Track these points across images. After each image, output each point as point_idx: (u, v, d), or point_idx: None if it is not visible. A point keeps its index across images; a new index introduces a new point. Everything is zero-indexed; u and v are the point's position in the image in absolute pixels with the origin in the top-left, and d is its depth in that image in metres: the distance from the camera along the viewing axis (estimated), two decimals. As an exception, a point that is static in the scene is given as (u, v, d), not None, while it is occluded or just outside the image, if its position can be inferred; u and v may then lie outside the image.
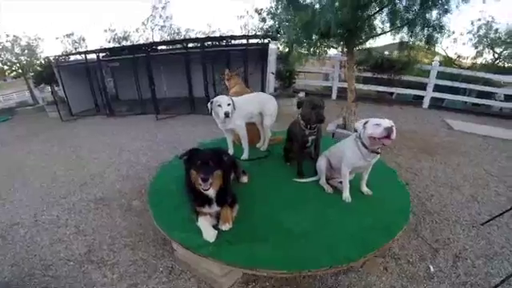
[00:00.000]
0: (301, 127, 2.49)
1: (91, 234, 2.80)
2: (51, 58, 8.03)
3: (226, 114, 2.59)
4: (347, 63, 4.76)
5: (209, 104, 2.70)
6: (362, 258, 1.82)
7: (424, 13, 3.99)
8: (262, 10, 8.00)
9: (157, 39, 11.67)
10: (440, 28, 4.12)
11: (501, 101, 8.37)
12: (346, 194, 2.31)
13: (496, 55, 10.04)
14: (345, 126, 5.02)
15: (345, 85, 8.45)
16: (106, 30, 11.97)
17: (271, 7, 7.63)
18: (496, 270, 2.26)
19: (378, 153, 2.08)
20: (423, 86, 8.03)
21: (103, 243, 2.65)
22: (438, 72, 7.66)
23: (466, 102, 8.27)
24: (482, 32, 9.37)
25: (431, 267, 2.27)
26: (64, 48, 12.07)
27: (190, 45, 7.76)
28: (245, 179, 2.58)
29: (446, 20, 4.10)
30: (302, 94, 7.68)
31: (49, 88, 8.45)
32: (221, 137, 4.87)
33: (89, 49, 9.32)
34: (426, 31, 4.17)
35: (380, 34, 4.45)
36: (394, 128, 1.88)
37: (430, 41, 4.29)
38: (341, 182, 2.47)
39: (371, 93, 8.81)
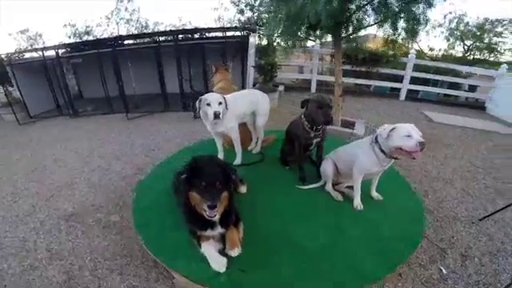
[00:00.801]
0: (305, 128, 2.24)
1: (67, 257, 2.38)
2: (3, 56, 7.15)
3: (216, 115, 2.24)
4: (334, 56, 4.59)
5: (197, 102, 2.34)
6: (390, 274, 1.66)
7: (410, 6, 3.92)
8: (239, 1, 7.61)
9: (123, 33, 10.86)
10: (425, 22, 4.09)
11: (465, 91, 8.87)
12: (358, 201, 2.14)
13: (466, 47, 10.42)
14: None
15: (323, 78, 8.59)
16: (65, 25, 10.99)
17: None
18: (502, 267, 2.27)
19: (396, 158, 1.89)
20: (399, 79, 8.18)
21: (84, 268, 2.26)
22: (414, 64, 7.78)
23: (438, 94, 8.57)
24: (453, 25, 9.66)
25: (443, 269, 2.23)
26: (18, 45, 10.95)
27: (162, 38, 7.23)
28: (243, 189, 2.28)
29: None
30: (281, 88, 7.47)
31: (1, 88, 7.52)
32: (206, 138, 4.54)
33: (47, 45, 8.44)
34: (410, 24, 4.11)
35: (366, 27, 4.36)
36: (424, 141, 1.72)
37: (414, 34, 4.25)
38: (348, 187, 2.31)
39: (349, 85, 8.80)
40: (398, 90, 8.29)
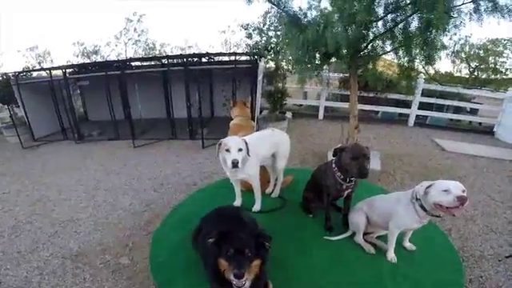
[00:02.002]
0: (336, 179, 2.08)
1: None
2: (10, 75, 7.08)
3: (234, 164, 2.07)
4: (350, 86, 4.51)
5: (216, 145, 2.20)
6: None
7: (426, 33, 3.89)
8: (248, 25, 7.63)
9: (130, 54, 10.91)
10: (443, 47, 4.07)
11: (466, 113, 8.85)
12: (392, 254, 1.99)
13: (472, 69, 10.45)
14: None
15: (331, 104, 8.55)
16: (74, 44, 11.01)
17: (259, 23, 7.37)
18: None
19: (438, 216, 1.76)
20: (407, 104, 8.13)
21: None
22: (423, 89, 7.74)
23: (449, 119, 8.52)
24: (458, 47, 9.69)
25: None
26: (26, 63, 10.87)
27: (171, 61, 7.20)
28: None
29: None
30: (289, 115, 7.39)
31: (6, 109, 7.40)
32: (216, 175, 4.41)
33: (54, 64, 8.42)
34: (426, 51, 4.07)
35: (382, 54, 4.30)
36: (465, 195, 1.56)
37: (431, 60, 4.18)
38: (378, 237, 2.15)
39: (360, 112, 8.76)
40: (406, 115, 8.21)
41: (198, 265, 1.71)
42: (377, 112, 8.78)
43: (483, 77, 10.49)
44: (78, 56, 11.00)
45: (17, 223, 3.44)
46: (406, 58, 4.23)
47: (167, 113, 9.04)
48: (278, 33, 6.79)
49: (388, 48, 4.22)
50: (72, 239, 3.07)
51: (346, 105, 8.20)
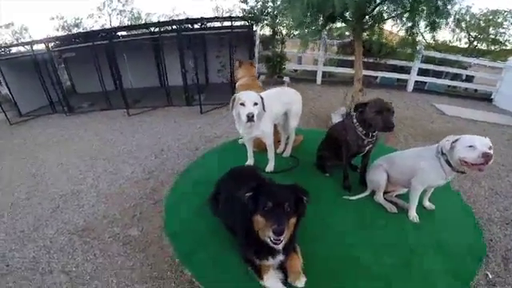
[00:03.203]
0: (358, 134, 1.98)
1: (89, 282, 2.08)
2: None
3: (249, 117, 1.97)
4: (355, 49, 4.33)
5: (230, 100, 2.06)
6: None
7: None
8: None
9: (115, 25, 10.28)
10: (448, 15, 3.95)
11: (462, 81, 8.91)
12: (414, 213, 1.96)
13: (471, 39, 10.30)
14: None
15: (330, 69, 8.37)
16: (52, 18, 10.38)
17: None
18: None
19: (463, 172, 1.70)
20: (405, 70, 8.04)
21: (114, 295, 1.97)
22: (422, 56, 7.61)
23: (447, 86, 8.52)
24: (459, 15, 9.46)
25: (489, 274, 2.05)
26: (2, 40, 10.29)
27: (162, 29, 6.80)
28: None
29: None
30: (287, 79, 7.18)
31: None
32: (221, 141, 4.26)
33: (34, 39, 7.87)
34: (432, 17, 3.92)
35: (387, 19, 4.11)
36: (491, 152, 1.54)
37: (435, 27, 4.08)
38: (397, 196, 2.12)
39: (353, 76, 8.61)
40: (405, 81, 8.14)
41: (219, 231, 1.61)
42: (376, 77, 8.65)
43: (482, 47, 10.39)
44: (58, 30, 10.49)
45: (15, 200, 3.26)
46: (410, 24, 4.09)
47: (160, 81, 8.78)
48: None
49: (393, 13, 4.04)
50: (76, 213, 2.93)
51: (344, 70, 8.07)
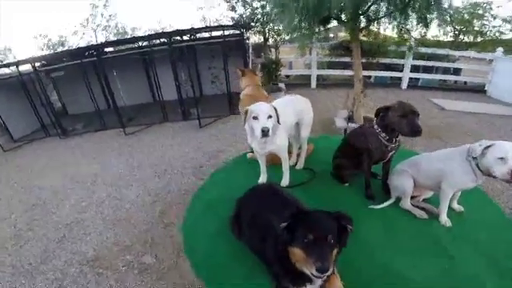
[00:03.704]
0: (381, 141, 1.88)
1: None
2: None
3: (265, 132, 1.81)
4: (353, 50, 4.29)
5: (243, 113, 1.94)
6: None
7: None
8: None
9: (101, 41, 10.14)
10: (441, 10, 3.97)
11: (450, 74, 8.87)
12: (445, 218, 1.85)
13: (456, 32, 10.46)
14: (349, 119, 4.60)
15: (324, 72, 8.35)
16: (36, 37, 10.17)
17: None
18: None
19: (494, 177, 1.59)
20: (396, 68, 8.08)
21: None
22: (414, 52, 7.64)
23: (439, 80, 8.58)
24: (451, 10, 9.62)
25: None
26: None
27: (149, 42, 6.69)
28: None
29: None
30: (282, 85, 7.11)
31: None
32: (225, 156, 4.14)
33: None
34: (423, 13, 3.95)
35: (381, 17, 4.08)
36: None
37: (427, 23, 4.15)
38: (424, 201, 2.01)
39: (348, 78, 8.63)
40: (399, 79, 8.17)
41: (244, 255, 1.48)
42: (369, 77, 8.67)
43: (467, 40, 10.58)
44: (42, 49, 10.25)
45: (17, 232, 3.10)
46: (403, 21, 4.07)
47: (152, 96, 8.63)
48: (263, 3, 6.41)
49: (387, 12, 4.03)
50: (83, 242, 2.79)
51: (339, 72, 8.06)
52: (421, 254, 1.61)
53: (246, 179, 2.27)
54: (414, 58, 7.89)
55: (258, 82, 2.92)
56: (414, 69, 8.22)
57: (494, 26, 10.32)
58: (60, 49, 9.98)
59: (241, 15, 6.86)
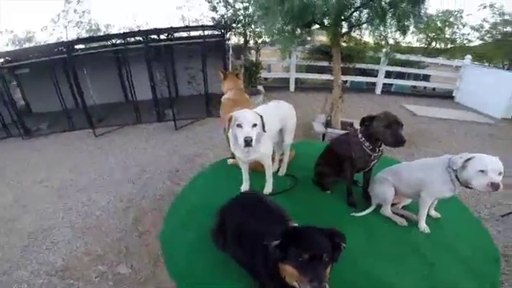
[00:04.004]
0: (365, 150, 1.88)
1: None
2: None
3: (247, 142, 1.73)
4: (333, 55, 4.33)
5: (226, 120, 1.85)
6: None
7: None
8: None
9: (72, 37, 9.62)
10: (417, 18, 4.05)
11: (420, 80, 9.27)
12: (424, 225, 1.90)
13: (429, 39, 10.95)
14: (327, 124, 4.65)
15: (302, 75, 8.43)
16: (0, 32, 9.52)
17: None
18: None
19: (470, 188, 1.66)
20: (370, 74, 8.33)
21: None
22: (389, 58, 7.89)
23: (411, 86, 8.94)
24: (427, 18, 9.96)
25: None
26: None
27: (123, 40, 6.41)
28: None
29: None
30: (260, 88, 7.08)
31: None
32: (201, 160, 4.02)
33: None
34: (401, 21, 4.03)
35: (363, 23, 4.15)
36: (500, 179, 1.47)
37: (406, 30, 4.19)
38: (403, 208, 2.04)
39: (326, 82, 8.77)
40: (373, 84, 8.42)
41: (227, 265, 1.42)
42: (345, 81, 8.86)
43: (438, 46, 11.09)
44: (7, 45, 9.58)
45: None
46: (382, 28, 4.16)
47: (125, 96, 8.29)
48: (246, 4, 6.35)
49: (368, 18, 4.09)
50: (50, 252, 2.58)
51: (318, 76, 8.17)
52: (401, 260, 1.63)
53: (227, 186, 2.20)
54: (388, 64, 8.16)
55: (240, 85, 2.84)
56: (388, 75, 8.49)
57: (463, 34, 10.89)
58: (27, 45, 9.35)
59: (222, 16, 6.75)
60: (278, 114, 2.22)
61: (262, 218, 1.44)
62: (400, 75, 8.83)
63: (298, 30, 3.84)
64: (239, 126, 1.76)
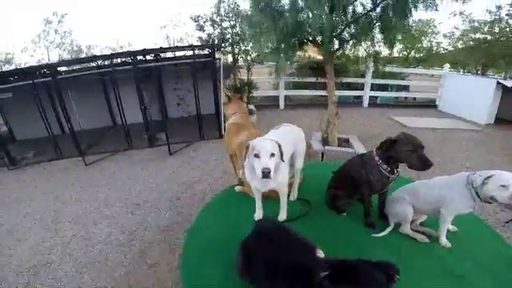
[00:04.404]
0: (383, 173, 1.88)
1: None
2: None
3: (265, 174, 1.63)
4: (327, 72, 4.40)
5: (244, 148, 1.79)
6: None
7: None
8: (199, 17, 7.00)
9: (54, 59, 9.40)
10: (408, 32, 4.20)
11: (399, 91, 9.63)
12: (445, 240, 1.93)
13: (408, 50, 11.39)
14: (324, 141, 4.67)
15: (291, 93, 8.53)
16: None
17: (212, 13, 6.80)
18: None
19: (490, 203, 1.71)
20: (359, 87, 8.54)
21: None
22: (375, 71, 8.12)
23: (394, 97, 9.19)
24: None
25: None
26: None
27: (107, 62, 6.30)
28: None
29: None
30: (252, 107, 7.09)
31: None
32: (202, 186, 3.93)
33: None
34: (389, 35, 4.16)
35: (350, 40, 4.25)
36: None
37: (393, 44, 4.32)
38: (421, 224, 2.06)
39: (312, 98, 8.89)
40: (359, 97, 8.60)
41: None
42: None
43: (417, 56, 11.54)
44: (-16, 67, 9.18)
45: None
46: (369, 42, 4.31)
47: (112, 120, 8.10)
48: (233, 23, 6.43)
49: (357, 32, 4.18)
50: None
51: (304, 92, 8.27)
52: (433, 276, 1.62)
53: (238, 216, 2.12)
54: (372, 77, 8.38)
55: (245, 109, 2.80)
56: (371, 87, 8.69)
57: (437, 42, 11.39)
58: (6, 67, 9.01)
59: (209, 35, 6.78)
60: (291, 138, 2.17)
61: (290, 248, 1.41)
62: (383, 87, 9.07)
63: (293, 49, 3.87)
64: (256, 155, 1.69)
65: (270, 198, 2.16)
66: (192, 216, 3.25)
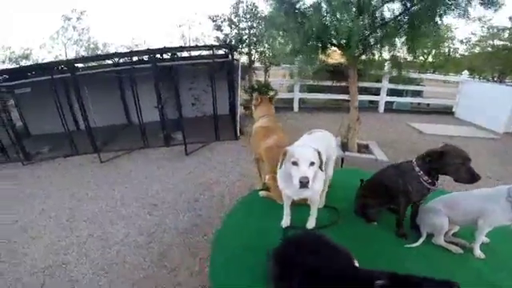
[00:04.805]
0: (422, 184, 1.81)
1: None
2: None
3: (303, 184, 1.53)
4: (349, 76, 4.31)
5: (281, 154, 1.70)
6: None
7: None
8: (217, 16, 7.00)
9: (71, 56, 9.48)
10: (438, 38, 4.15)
11: (412, 96, 9.41)
12: (479, 251, 1.92)
13: (425, 55, 11.20)
14: (343, 146, 4.57)
15: (306, 96, 8.42)
16: (-3, 49, 9.28)
17: (230, 14, 6.77)
18: None
19: None
20: (376, 91, 8.40)
21: None
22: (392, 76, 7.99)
23: (410, 103, 9.02)
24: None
25: None
26: None
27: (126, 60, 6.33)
28: None
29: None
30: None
31: None
32: (219, 188, 3.89)
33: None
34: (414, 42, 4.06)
35: (375, 44, 4.16)
36: None
37: (416, 50, 4.20)
38: (453, 235, 2.02)
39: (326, 101, 8.80)
40: (375, 102, 8.46)
41: None
42: (348, 101, 8.91)
43: (434, 61, 11.33)
44: (3, 62, 9.31)
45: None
46: (393, 48, 4.19)
47: (127, 118, 8.11)
48: (250, 23, 6.39)
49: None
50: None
51: (319, 96, 8.17)
52: (467, 285, 1.57)
53: (266, 223, 2.07)
54: (389, 82, 8.23)
55: (273, 111, 2.71)
56: (394, 92, 8.56)
57: (454, 48, 11.18)
58: (24, 62, 9.11)
59: (226, 35, 6.75)
60: (324, 145, 2.07)
61: (330, 259, 1.38)
62: (398, 92, 8.91)
63: (319, 50, 3.82)
64: (295, 163, 1.60)
65: (294, 203, 2.09)
66: (211, 219, 3.19)
